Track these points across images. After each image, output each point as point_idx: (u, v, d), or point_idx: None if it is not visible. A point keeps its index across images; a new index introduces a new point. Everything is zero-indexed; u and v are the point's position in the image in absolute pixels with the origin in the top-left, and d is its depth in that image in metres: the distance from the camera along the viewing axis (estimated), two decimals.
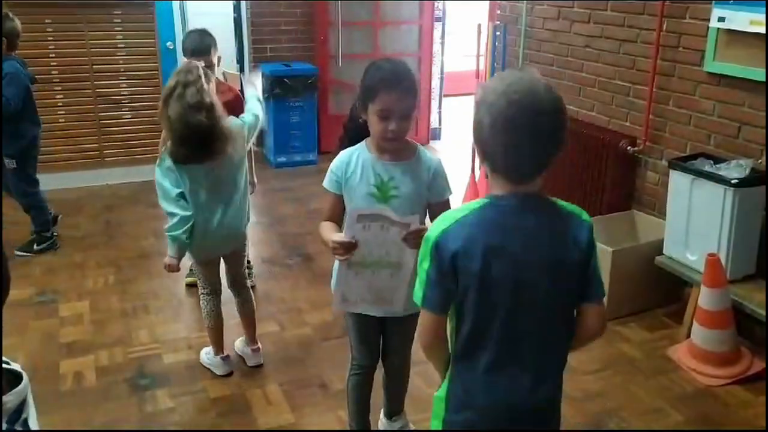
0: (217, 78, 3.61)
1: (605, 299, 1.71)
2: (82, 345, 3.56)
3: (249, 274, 4.13)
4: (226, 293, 3.31)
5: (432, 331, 1.67)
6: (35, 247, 4.61)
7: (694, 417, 3.05)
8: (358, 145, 2.34)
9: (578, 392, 3.19)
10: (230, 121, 2.97)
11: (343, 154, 2.34)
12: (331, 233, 2.22)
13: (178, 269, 3.03)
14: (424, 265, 1.62)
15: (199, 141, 2.79)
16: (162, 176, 2.91)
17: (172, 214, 2.90)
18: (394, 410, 2.81)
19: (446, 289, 1.60)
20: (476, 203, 1.62)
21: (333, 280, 2.35)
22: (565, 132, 1.57)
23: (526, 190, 1.59)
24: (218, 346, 3.28)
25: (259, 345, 3.39)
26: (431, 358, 1.77)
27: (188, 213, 2.90)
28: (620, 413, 3.07)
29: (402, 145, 2.29)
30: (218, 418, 3.03)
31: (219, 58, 3.63)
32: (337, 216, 2.33)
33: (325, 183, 2.36)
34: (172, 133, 2.81)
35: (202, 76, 2.82)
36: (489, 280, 1.57)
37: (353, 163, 2.30)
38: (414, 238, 2.05)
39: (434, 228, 1.61)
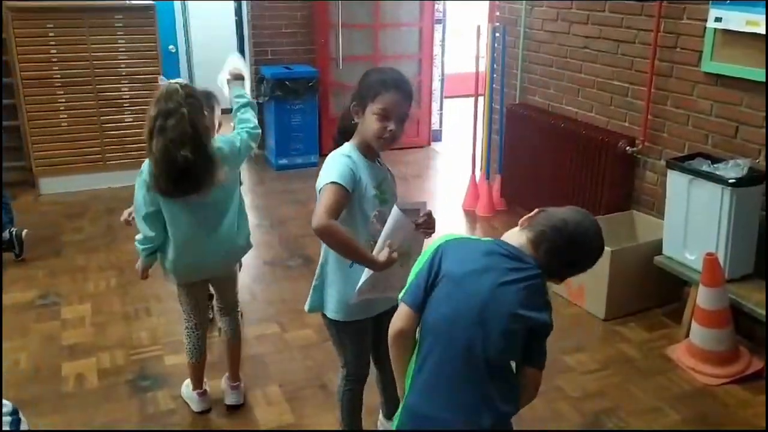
0: None
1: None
2: (83, 347, 3.58)
3: None
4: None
5: (402, 321, 1.82)
6: None
7: (692, 416, 3.06)
8: (346, 148, 2.29)
9: (577, 392, 3.21)
10: (217, 142, 2.75)
11: (345, 156, 2.24)
12: (365, 250, 2.16)
13: (145, 276, 2.96)
14: (419, 264, 1.81)
15: (182, 176, 2.58)
16: (138, 187, 2.75)
17: (139, 229, 2.82)
18: (393, 410, 2.82)
19: (426, 291, 1.79)
20: (485, 239, 1.86)
21: (326, 289, 2.40)
22: None
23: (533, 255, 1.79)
24: (199, 381, 3.07)
25: (241, 382, 3.15)
26: (395, 349, 1.87)
27: (151, 234, 2.77)
28: (619, 413, 3.08)
29: (388, 148, 2.31)
30: (219, 418, 3.05)
31: (220, 124, 3.13)
32: (340, 214, 2.19)
33: (341, 178, 2.15)
34: (155, 166, 2.60)
35: (183, 102, 2.56)
36: (461, 291, 1.74)
37: (357, 164, 2.25)
38: (427, 224, 2.20)
39: (443, 236, 1.85)
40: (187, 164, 2.55)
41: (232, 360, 3.12)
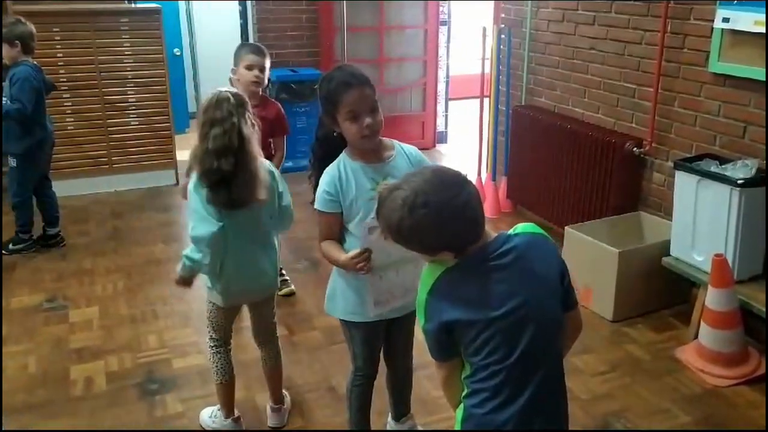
0: (264, 95, 3.63)
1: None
2: (91, 350, 3.59)
3: (284, 281, 4.12)
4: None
5: (444, 370, 1.77)
6: (10, 246, 4.69)
7: (701, 418, 3.05)
8: (339, 158, 2.33)
9: (585, 393, 3.20)
10: (270, 166, 2.66)
11: (330, 171, 2.31)
12: (339, 253, 2.27)
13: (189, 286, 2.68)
14: (421, 323, 1.72)
15: (222, 188, 2.47)
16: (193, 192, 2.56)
17: (197, 239, 2.53)
18: (402, 412, 2.83)
19: (449, 339, 1.68)
20: (449, 262, 1.68)
21: (337, 291, 2.44)
22: None
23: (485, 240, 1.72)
24: (230, 406, 2.92)
25: (284, 404, 3.05)
26: (446, 391, 1.84)
27: (214, 229, 2.51)
28: (627, 415, 3.07)
29: (380, 142, 2.33)
30: None
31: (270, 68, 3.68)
32: (337, 235, 2.35)
33: (320, 205, 2.32)
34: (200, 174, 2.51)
35: (234, 112, 2.46)
36: (487, 321, 1.63)
37: (344, 175, 2.29)
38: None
39: (421, 290, 1.70)
40: (223, 176, 2.45)
41: (275, 384, 3.01)
